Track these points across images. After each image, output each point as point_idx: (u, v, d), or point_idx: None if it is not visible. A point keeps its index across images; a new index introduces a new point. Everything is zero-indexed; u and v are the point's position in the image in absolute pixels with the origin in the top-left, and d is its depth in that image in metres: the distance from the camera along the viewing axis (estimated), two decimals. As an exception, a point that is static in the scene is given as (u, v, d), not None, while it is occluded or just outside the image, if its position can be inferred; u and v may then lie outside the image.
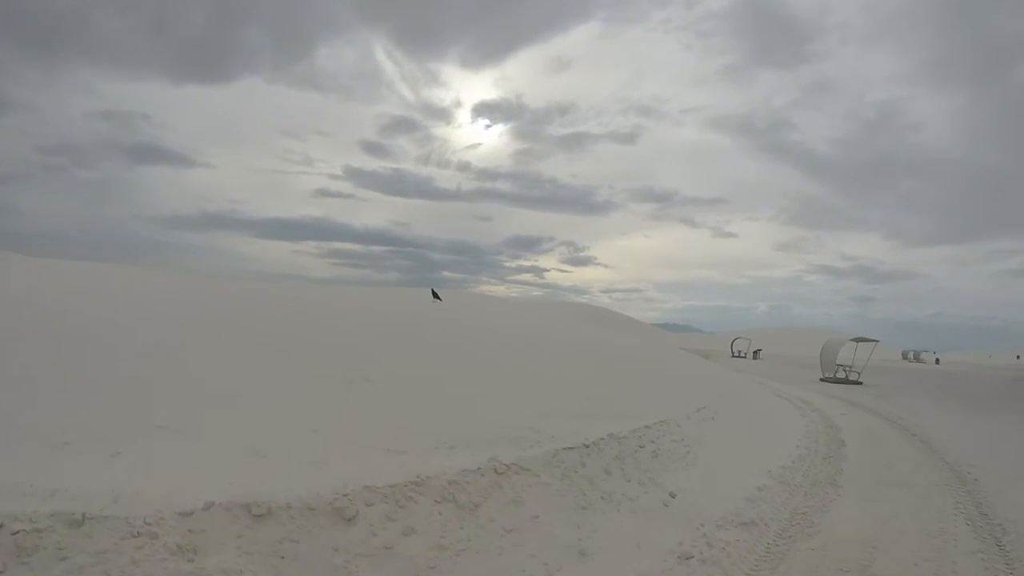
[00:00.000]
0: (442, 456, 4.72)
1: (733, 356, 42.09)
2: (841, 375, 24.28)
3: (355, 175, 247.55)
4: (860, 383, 23.37)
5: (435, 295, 18.67)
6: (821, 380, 24.17)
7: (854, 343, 25.64)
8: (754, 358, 42.16)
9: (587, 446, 5.36)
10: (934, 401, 18.45)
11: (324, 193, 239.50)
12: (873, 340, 25.74)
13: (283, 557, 3.36)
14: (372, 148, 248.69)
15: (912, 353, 60.47)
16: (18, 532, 2.83)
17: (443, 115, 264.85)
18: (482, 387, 7.21)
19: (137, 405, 4.89)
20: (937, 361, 57.33)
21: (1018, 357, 63.56)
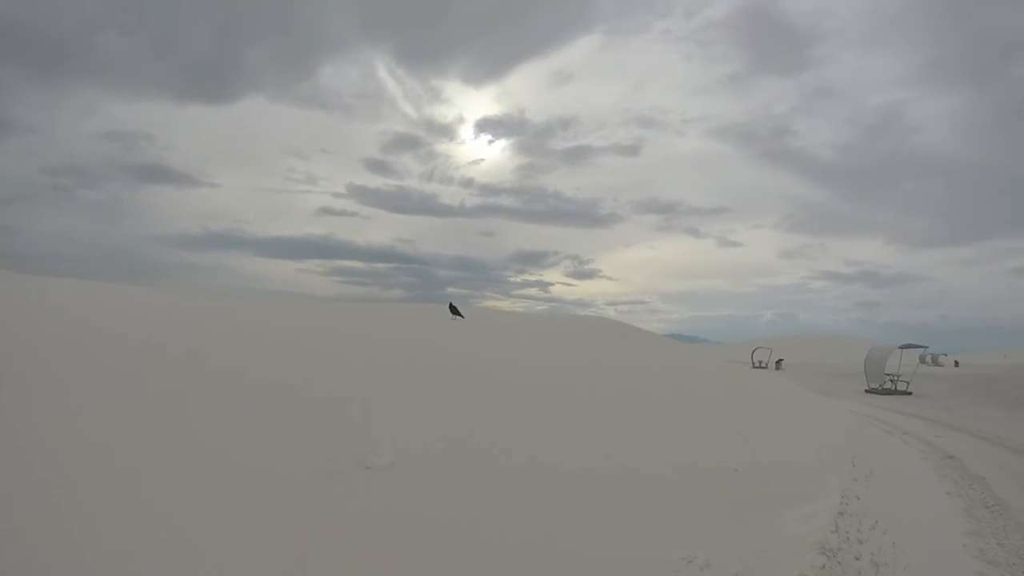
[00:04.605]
0: None
1: (754, 367, 40.03)
2: (889, 385, 22.50)
3: (359, 193, 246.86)
4: (910, 393, 21.63)
5: (454, 311, 16.60)
6: (867, 391, 22.40)
7: (900, 351, 23.83)
8: (777, 368, 40.17)
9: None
10: (1005, 411, 16.93)
11: (328, 211, 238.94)
12: (922, 346, 23.97)
13: None
14: (375, 166, 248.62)
15: (930, 356, 58.53)
16: None
17: (446, 131, 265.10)
18: (569, 480, 4.47)
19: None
20: (956, 364, 55.54)
21: (1036, 357, 62.04)
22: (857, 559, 3.87)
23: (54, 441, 3.78)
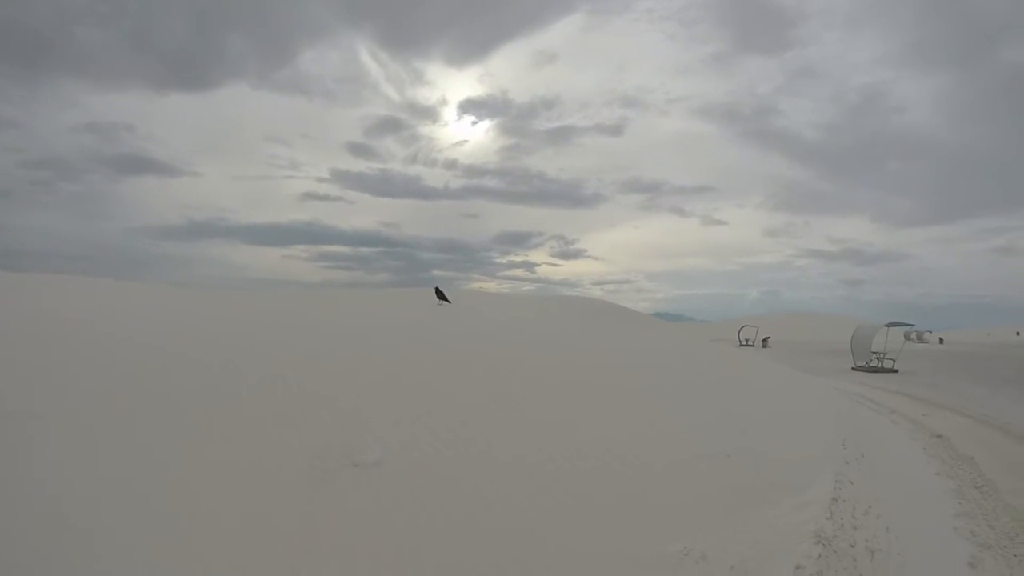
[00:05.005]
0: None
1: (741, 345, 40.34)
2: (875, 363, 22.70)
3: (342, 177, 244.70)
4: (896, 371, 21.85)
5: (441, 296, 16.39)
6: (854, 369, 22.59)
7: (886, 329, 24.02)
8: (763, 346, 40.49)
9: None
10: (991, 389, 17.04)
11: (312, 196, 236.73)
12: (908, 324, 24.16)
13: None
14: (358, 150, 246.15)
15: (915, 333, 59.21)
16: None
17: (429, 113, 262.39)
18: (564, 474, 4.31)
19: None
20: (941, 341, 56.28)
21: (1018, 334, 63.08)
22: (852, 546, 3.80)
23: (52, 440, 3.60)
